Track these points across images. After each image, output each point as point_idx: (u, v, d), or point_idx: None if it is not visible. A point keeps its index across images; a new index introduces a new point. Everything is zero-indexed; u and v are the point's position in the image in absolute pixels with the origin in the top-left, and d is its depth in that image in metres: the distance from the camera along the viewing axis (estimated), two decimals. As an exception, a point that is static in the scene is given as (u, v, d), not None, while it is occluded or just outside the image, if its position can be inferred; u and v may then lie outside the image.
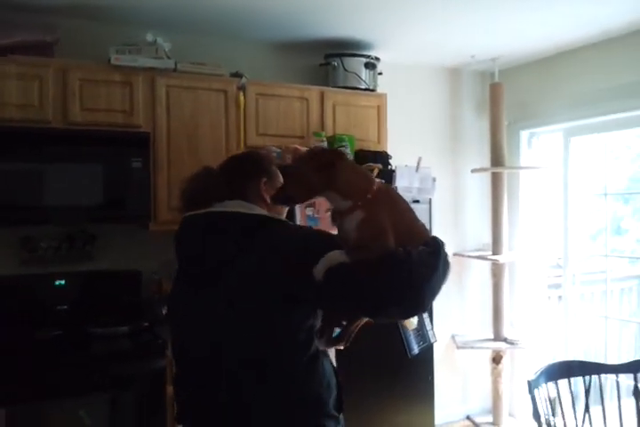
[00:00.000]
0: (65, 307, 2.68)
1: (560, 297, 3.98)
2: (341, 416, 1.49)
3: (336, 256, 1.29)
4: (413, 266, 1.25)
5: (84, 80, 2.59)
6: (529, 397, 2.23)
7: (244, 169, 1.57)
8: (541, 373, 2.33)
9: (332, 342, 1.48)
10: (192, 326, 1.47)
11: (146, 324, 2.67)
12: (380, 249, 1.28)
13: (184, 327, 1.51)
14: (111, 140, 2.58)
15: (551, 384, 2.31)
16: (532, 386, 2.25)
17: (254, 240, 1.40)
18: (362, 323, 1.49)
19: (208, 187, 1.52)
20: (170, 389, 2.40)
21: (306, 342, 1.42)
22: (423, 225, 1.44)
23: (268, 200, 1.51)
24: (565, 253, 3.72)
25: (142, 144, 2.64)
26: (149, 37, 2.72)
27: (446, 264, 1.33)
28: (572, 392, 2.36)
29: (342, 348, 1.50)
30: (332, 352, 2.51)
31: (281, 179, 1.57)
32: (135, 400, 2.40)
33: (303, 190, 1.38)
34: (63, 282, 2.71)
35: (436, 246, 1.33)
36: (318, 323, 1.46)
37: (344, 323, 1.47)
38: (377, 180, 1.44)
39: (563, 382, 2.37)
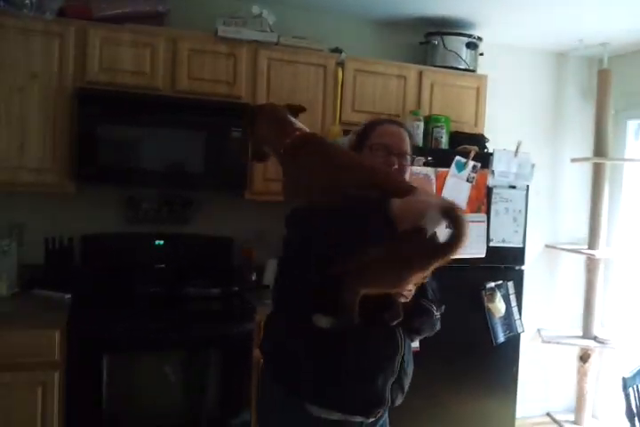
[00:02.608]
0: (162, 266, 2.79)
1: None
2: (375, 387, 1.43)
3: None
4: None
5: (192, 50, 2.67)
6: (622, 394, 2.13)
7: None
8: (638, 371, 2.21)
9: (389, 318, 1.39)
10: None
11: (236, 288, 2.75)
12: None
13: None
14: (214, 110, 2.65)
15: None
16: (627, 384, 2.14)
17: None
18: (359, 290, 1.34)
19: None
20: (256, 352, 2.46)
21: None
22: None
23: None
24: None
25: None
26: (255, 10, 2.78)
27: None
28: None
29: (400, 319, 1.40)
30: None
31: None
32: (221, 361, 2.47)
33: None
34: (162, 242, 2.83)
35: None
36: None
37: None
38: (299, 129, 1.43)
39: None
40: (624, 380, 2.17)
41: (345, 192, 1.27)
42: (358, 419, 1.43)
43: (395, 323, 1.38)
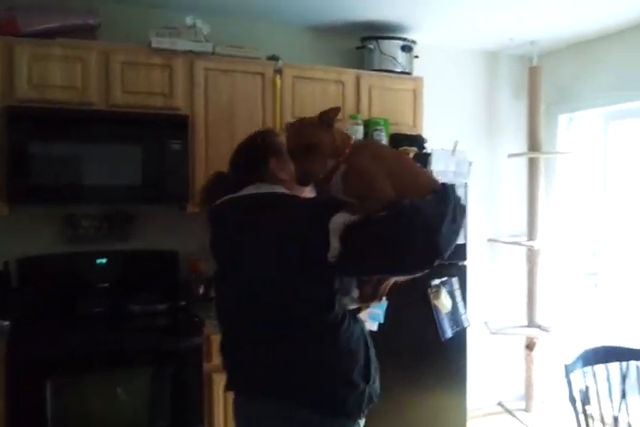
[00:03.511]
0: (106, 285, 2.75)
1: (596, 284, 3.92)
2: (368, 386, 1.51)
3: (339, 220, 1.34)
4: (420, 215, 1.33)
5: (125, 63, 2.63)
6: (565, 381, 2.21)
7: (250, 158, 1.62)
8: (578, 357, 2.30)
9: (366, 298, 1.55)
10: (227, 298, 1.59)
11: (183, 303, 2.73)
12: (378, 195, 1.35)
13: (222, 299, 1.63)
14: (151, 122, 2.63)
15: (588, 369, 2.29)
16: (568, 370, 2.23)
17: (268, 215, 1.46)
18: (391, 282, 1.55)
19: (225, 189, 1.61)
20: (207, 365, 2.47)
21: (326, 312, 1.45)
22: (429, 174, 1.49)
23: (285, 177, 1.56)
24: (603, 241, 3.66)
25: (181, 126, 2.68)
26: (189, 20, 2.75)
27: (458, 208, 1.41)
28: (608, 378, 2.34)
29: (376, 303, 1.58)
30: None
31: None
32: (172, 376, 2.45)
33: (313, 164, 1.41)
34: (104, 261, 2.78)
35: (444, 193, 1.40)
36: (348, 291, 1.52)
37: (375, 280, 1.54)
38: (353, 136, 1.52)
39: (599, 368, 2.35)
40: (566, 367, 2.26)
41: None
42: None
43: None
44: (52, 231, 2.80)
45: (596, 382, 2.30)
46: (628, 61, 3.33)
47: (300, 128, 1.45)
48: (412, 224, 1.33)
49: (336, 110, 1.44)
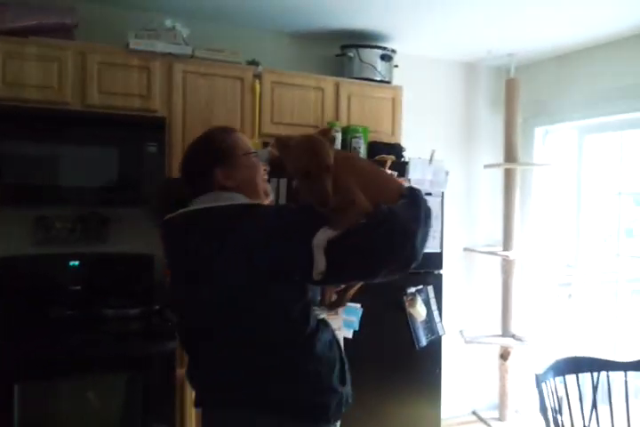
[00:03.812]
0: (78, 288, 2.70)
1: (570, 295, 3.96)
2: (345, 389, 1.49)
3: (322, 237, 1.30)
4: (399, 221, 1.33)
5: (102, 63, 2.60)
6: (536, 391, 2.22)
7: (194, 170, 1.54)
8: (550, 367, 2.31)
9: (333, 305, 1.56)
10: (190, 314, 1.51)
11: (157, 307, 2.69)
12: (357, 207, 1.33)
13: (184, 315, 1.55)
14: (127, 124, 2.60)
15: (559, 379, 2.30)
16: (539, 380, 2.24)
17: (236, 226, 1.39)
18: (358, 285, 1.56)
19: (178, 198, 1.54)
20: (180, 371, 2.42)
21: (301, 321, 1.43)
22: (394, 178, 1.49)
23: (232, 184, 1.50)
24: (577, 252, 3.71)
25: (158, 129, 2.66)
26: (168, 23, 2.74)
27: (428, 211, 1.41)
28: (579, 388, 2.35)
29: (341, 308, 1.62)
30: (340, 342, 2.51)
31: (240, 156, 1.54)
32: (144, 382, 2.40)
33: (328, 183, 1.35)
34: (77, 263, 2.73)
35: (413, 197, 1.41)
36: (315, 299, 1.50)
37: (342, 286, 1.55)
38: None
39: (570, 378, 2.36)
40: (537, 376, 2.27)
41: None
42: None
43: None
44: (23, 233, 2.74)
45: (567, 392, 2.32)
46: (603, 76, 3.40)
47: (315, 148, 1.32)
48: (393, 230, 1.31)
49: (329, 130, 1.44)
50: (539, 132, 3.89)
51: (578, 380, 2.34)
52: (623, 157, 3.51)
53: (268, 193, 1.64)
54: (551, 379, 2.32)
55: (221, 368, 1.45)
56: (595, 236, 3.73)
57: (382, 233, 1.31)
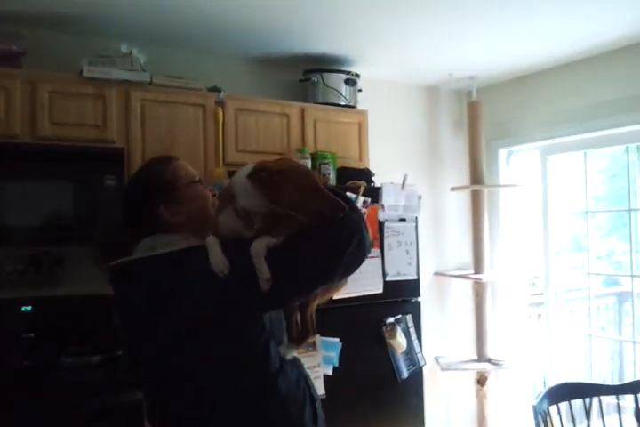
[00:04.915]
0: (32, 335, 2.47)
1: (539, 315, 3.94)
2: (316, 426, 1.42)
3: (260, 244, 1.26)
4: (359, 213, 1.36)
5: (53, 93, 2.42)
6: (533, 422, 2.14)
7: (135, 209, 1.44)
8: (544, 396, 2.24)
9: (301, 337, 1.49)
10: (149, 367, 1.39)
11: (119, 352, 2.48)
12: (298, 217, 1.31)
13: (142, 368, 1.43)
14: (83, 156, 2.42)
15: (553, 408, 2.23)
16: (536, 411, 2.16)
17: (176, 277, 1.29)
18: (314, 307, 1.49)
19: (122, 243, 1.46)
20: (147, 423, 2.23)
21: (263, 361, 1.33)
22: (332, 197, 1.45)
23: (180, 220, 1.40)
24: (547, 271, 3.69)
25: (116, 160, 2.48)
26: (124, 49, 2.60)
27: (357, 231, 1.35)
28: (572, 415, 2.29)
29: (312, 339, 1.60)
30: (319, 379, 2.41)
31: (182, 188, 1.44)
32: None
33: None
34: (30, 308, 2.51)
35: (349, 199, 1.41)
36: (281, 338, 1.43)
37: (298, 316, 1.48)
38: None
39: (562, 405, 2.30)
40: (533, 408, 2.18)
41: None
42: None
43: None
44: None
45: (560, 420, 2.25)
46: (563, 96, 3.43)
47: (302, 166, 1.39)
48: (355, 222, 1.32)
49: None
50: (502, 153, 3.90)
51: (571, 407, 2.28)
52: (587, 177, 3.53)
53: None
54: (546, 407, 2.24)
55: (183, 415, 1.36)
56: (561, 254, 3.73)
57: (339, 227, 1.30)
